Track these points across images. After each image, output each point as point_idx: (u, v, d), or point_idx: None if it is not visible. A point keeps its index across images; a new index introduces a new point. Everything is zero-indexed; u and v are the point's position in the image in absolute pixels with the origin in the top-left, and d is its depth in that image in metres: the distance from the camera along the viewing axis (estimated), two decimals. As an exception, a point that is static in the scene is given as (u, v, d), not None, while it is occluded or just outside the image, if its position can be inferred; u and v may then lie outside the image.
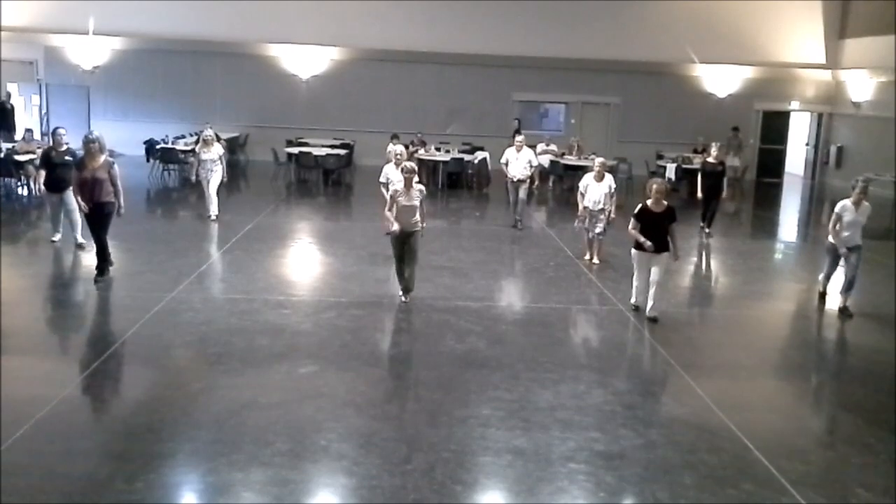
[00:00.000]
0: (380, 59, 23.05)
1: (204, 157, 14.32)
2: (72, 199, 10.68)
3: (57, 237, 11.59)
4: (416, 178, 9.44)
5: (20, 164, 15.73)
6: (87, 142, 9.69)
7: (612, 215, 11.73)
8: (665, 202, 9.13)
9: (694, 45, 22.72)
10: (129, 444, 5.78)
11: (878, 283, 11.72)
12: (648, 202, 9.14)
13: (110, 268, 10.09)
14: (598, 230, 11.71)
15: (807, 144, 24.95)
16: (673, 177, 19.83)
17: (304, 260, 12.23)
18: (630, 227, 9.12)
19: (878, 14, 21.31)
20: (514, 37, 22.61)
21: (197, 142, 19.77)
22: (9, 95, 19.85)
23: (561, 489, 5.43)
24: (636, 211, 9.11)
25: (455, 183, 19.71)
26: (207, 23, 22.01)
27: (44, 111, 20.47)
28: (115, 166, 9.82)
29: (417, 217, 9.29)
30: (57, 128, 11.56)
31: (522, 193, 14.23)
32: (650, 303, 9.16)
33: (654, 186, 9.15)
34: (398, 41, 22.47)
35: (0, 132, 17.76)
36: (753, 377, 7.80)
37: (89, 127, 20.35)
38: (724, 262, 12.99)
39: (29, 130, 17.33)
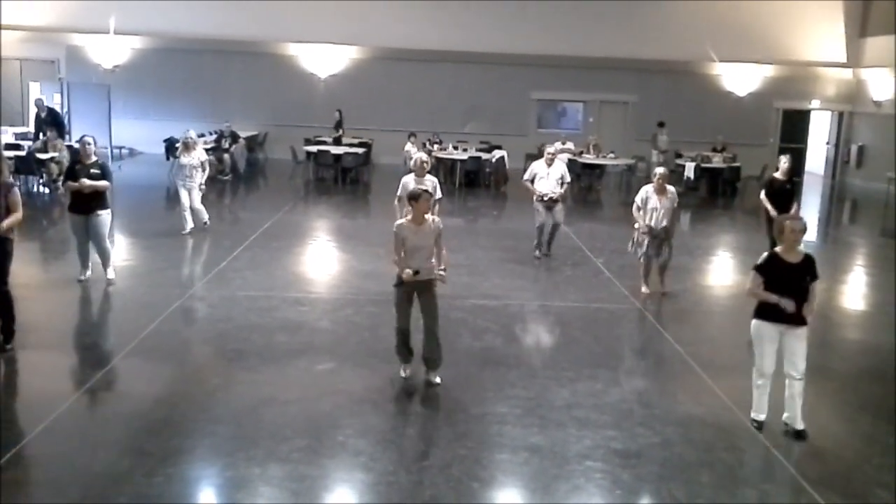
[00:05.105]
0: (398, 58, 23.07)
1: (183, 161, 12.56)
2: (101, 223, 9.48)
3: (86, 275, 9.75)
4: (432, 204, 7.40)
5: (42, 163, 15.99)
6: None
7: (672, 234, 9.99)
8: (802, 250, 6.36)
9: (713, 43, 22.58)
10: (148, 438, 5.83)
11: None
12: (778, 249, 6.34)
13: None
14: (665, 254, 10.01)
15: (827, 143, 24.76)
16: (692, 176, 19.76)
17: (321, 257, 12.28)
18: (749, 284, 6.39)
19: (900, 12, 21.09)
20: (532, 36, 22.55)
21: (218, 140, 19.99)
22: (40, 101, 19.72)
23: (577, 487, 5.42)
24: (761, 261, 6.35)
25: (472, 182, 19.71)
26: (227, 22, 22.11)
27: (65, 109, 20.63)
28: (16, 191, 7.62)
29: (434, 261, 6.98)
30: (84, 136, 9.78)
31: (559, 216, 11.74)
32: (791, 409, 6.31)
33: (788, 225, 6.21)
34: (416, 40, 22.48)
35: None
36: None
37: (110, 126, 20.54)
38: (744, 261, 12.89)
39: (52, 129, 17.48)
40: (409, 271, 6.70)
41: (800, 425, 6.28)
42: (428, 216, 6.89)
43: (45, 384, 6.86)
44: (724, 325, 9.56)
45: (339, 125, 21.85)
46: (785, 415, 6.35)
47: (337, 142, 20.95)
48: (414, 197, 6.84)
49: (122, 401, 6.61)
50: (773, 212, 11.34)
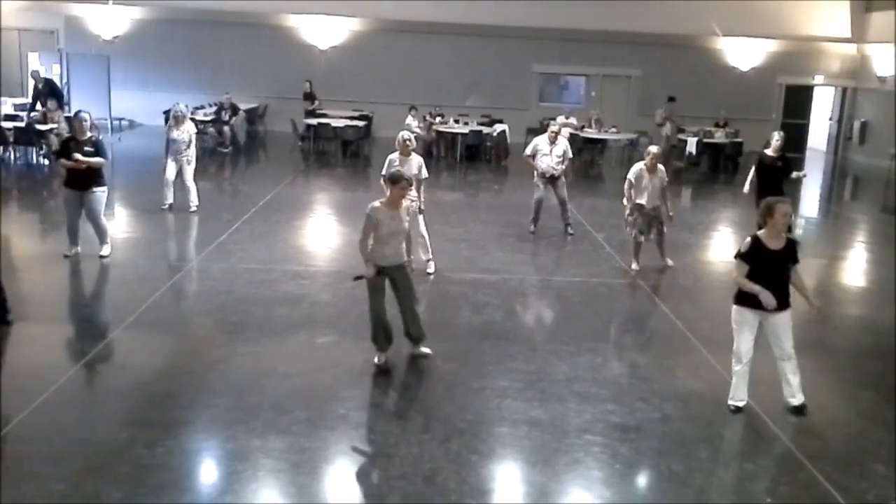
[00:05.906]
0: (399, 30, 22.86)
1: (173, 135, 12.14)
2: (97, 200, 9.36)
3: (73, 251, 9.53)
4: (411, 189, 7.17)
5: (42, 134, 15.93)
6: None
7: (671, 212, 10.05)
8: (786, 235, 6.19)
9: (717, 17, 22.33)
10: (148, 410, 5.85)
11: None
12: (761, 233, 6.13)
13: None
14: (655, 229, 9.95)
15: (830, 119, 24.63)
16: (694, 151, 19.67)
17: (322, 230, 12.26)
18: (734, 272, 6.23)
19: (905, -14, 20.87)
20: (534, 8, 22.31)
21: (218, 112, 19.89)
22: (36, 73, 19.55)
23: (576, 460, 5.45)
24: (743, 248, 6.17)
25: (473, 155, 19.64)
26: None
27: (64, 80, 20.51)
28: None
29: (405, 244, 7.11)
30: (79, 111, 9.58)
31: (562, 191, 11.65)
32: (788, 387, 6.26)
33: (780, 208, 6.02)
34: (418, 12, 22.24)
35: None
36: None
37: (110, 97, 20.42)
38: (744, 237, 12.84)
39: (52, 100, 17.40)
40: (372, 270, 6.56)
41: (797, 401, 6.24)
42: (405, 201, 6.70)
43: (44, 356, 6.86)
44: (724, 301, 9.41)
45: (309, 97, 21.59)
46: (785, 391, 6.30)
47: (309, 115, 20.77)
48: (394, 180, 6.59)
49: (123, 373, 6.62)
50: (747, 187, 11.26)
